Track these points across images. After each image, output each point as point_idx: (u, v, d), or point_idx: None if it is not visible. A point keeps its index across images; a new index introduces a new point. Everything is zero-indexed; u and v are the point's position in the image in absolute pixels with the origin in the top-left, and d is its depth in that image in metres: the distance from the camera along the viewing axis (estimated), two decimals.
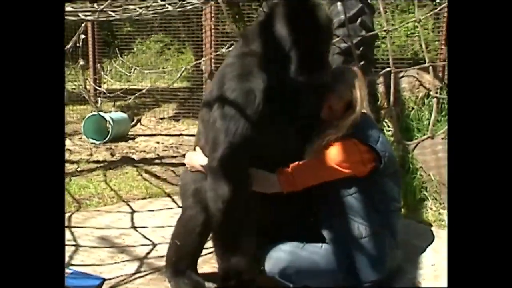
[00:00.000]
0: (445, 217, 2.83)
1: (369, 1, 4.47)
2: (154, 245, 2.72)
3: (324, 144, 1.99)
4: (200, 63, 6.36)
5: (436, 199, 3.13)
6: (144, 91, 6.23)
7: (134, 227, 2.98)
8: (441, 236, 2.62)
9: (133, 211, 3.26)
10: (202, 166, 2.05)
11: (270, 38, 1.86)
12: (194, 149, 2.22)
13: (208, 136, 1.99)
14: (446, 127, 3.53)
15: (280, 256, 2.01)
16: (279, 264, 1.99)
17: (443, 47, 5.26)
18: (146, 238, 2.82)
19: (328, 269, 2.01)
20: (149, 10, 4.11)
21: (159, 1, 3.93)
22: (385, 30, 3.44)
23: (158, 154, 4.93)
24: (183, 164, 4.43)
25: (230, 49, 5.71)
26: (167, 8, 4.14)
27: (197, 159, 2.12)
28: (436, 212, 3.05)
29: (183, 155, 4.88)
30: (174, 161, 4.67)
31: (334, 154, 1.98)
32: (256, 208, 1.95)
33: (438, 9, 4.39)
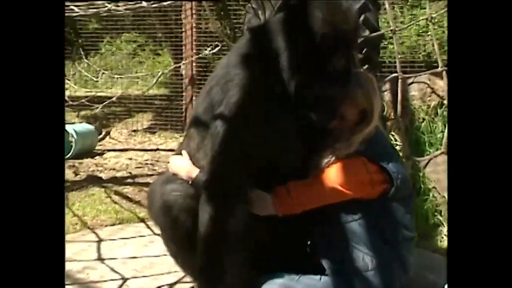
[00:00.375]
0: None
1: None
2: (124, 279, 2.72)
3: (331, 161, 2.01)
4: (179, 66, 6.38)
5: None
6: (114, 99, 6.20)
7: (100, 259, 2.98)
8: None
9: (100, 240, 3.27)
10: (190, 177, 2.06)
11: (282, 39, 1.90)
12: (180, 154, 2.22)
13: (204, 144, 2.02)
14: None
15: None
16: None
17: None
18: (115, 271, 2.82)
19: None
20: (120, 6, 4.16)
21: None
22: (391, 30, 3.51)
23: (130, 173, 4.94)
24: None
25: (215, 50, 5.76)
26: (141, 3, 4.19)
27: (184, 166, 2.13)
28: None
29: (160, 173, 4.91)
30: (149, 180, 4.67)
31: (338, 173, 1.99)
32: (252, 233, 1.98)
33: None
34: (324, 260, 2.08)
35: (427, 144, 3.94)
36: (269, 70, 1.91)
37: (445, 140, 3.47)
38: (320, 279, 2.05)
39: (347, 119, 2.05)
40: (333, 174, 1.99)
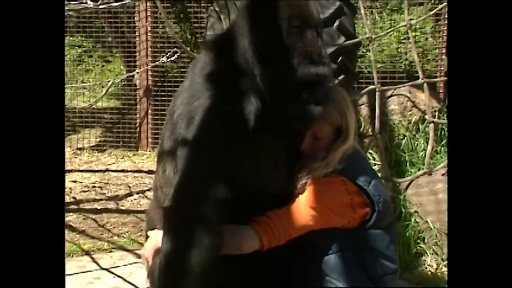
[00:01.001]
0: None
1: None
2: None
3: (309, 182, 2.03)
4: (132, 76, 6.34)
5: (436, 253, 3.22)
6: None
7: None
8: None
9: None
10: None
11: (245, 49, 1.91)
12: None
13: (169, 176, 2.02)
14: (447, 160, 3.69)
15: None
16: None
17: (444, 56, 5.46)
18: None
19: None
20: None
21: None
22: (367, 38, 3.59)
23: (74, 198, 4.88)
24: (109, 210, 4.45)
25: (173, 58, 5.77)
26: (87, 3, 4.19)
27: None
28: (437, 271, 3.13)
29: (110, 198, 4.89)
30: (96, 205, 4.64)
31: (320, 194, 2.02)
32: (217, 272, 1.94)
33: (437, 9, 4.59)
34: None
35: (408, 164, 3.99)
36: (237, 87, 1.92)
37: (427, 159, 3.55)
38: None
39: (322, 137, 2.08)
40: (315, 196, 2.02)
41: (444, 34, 5.44)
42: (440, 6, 4.55)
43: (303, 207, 2.02)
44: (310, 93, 1.91)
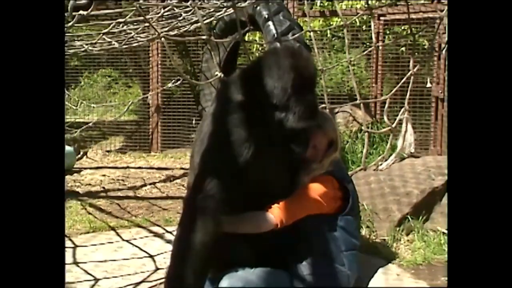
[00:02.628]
0: (378, 244, 2.91)
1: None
2: (96, 280, 2.62)
3: (308, 179, 2.10)
4: (147, 97, 6.32)
5: (369, 227, 3.22)
6: (90, 124, 6.08)
7: (76, 263, 2.86)
8: (375, 263, 2.67)
9: (75, 246, 3.13)
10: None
11: (265, 86, 1.84)
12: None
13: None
14: (378, 158, 3.69)
15: (238, 274, 1.98)
16: (235, 285, 1.95)
17: (374, 84, 5.53)
18: (88, 273, 2.71)
19: None
20: (95, 47, 4.07)
21: (105, 38, 3.89)
22: (320, 69, 3.58)
23: (103, 187, 4.79)
24: (129, 197, 4.37)
25: (177, 83, 5.73)
26: (114, 44, 4.12)
27: None
28: (369, 239, 3.13)
29: (129, 188, 4.81)
30: (119, 193, 4.55)
31: (316, 187, 2.08)
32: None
33: (367, 51, 4.62)
34: (292, 266, 2.07)
35: (350, 162, 4.01)
36: (253, 112, 1.85)
37: (363, 158, 3.55)
38: (274, 271, 2.03)
39: (319, 147, 2.14)
40: (313, 189, 2.08)
41: (373, 69, 5.51)
42: (369, 48, 4.56)
43: (305, 197, 2.07)
44: (305, 138, 2.01)
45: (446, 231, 2.98)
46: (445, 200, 3.11)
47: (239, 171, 1.83)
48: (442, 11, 4.21)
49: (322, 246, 2.10)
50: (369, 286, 2.40)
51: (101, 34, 3.67)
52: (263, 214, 1.99)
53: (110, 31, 3.51)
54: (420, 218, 3.03)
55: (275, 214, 1.99)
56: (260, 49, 7.20)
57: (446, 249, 2.82)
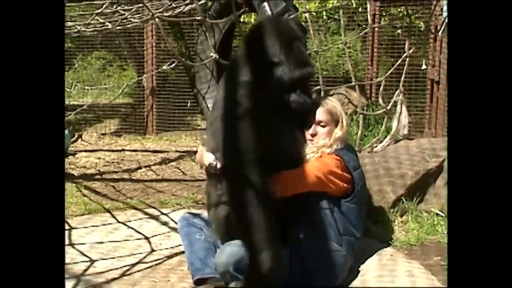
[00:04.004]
0: (372, 226, 2.91)
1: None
2: (92, 261, 2.62)
3: (316, 156, 2.13)
4: (141, 79, 6.26)
5: None
6: (85, 106, 6.04)
7: (71, 244, 2.85)
8: (369, 244, 2.67)
9: (71, 228, 3.13)
10: (204, 163, 2.12)
11: (261, 63, 2.06)
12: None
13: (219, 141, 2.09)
14: (373, 140, 3.68)
15: (234, 249, 2.01)
16: (233, 257, 1.99)
17: (369, 67, 5.50)
18: (84, 255, 2.71)
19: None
20: (88, 28, 4.01)
21: (98, 19, 3.83)
22: (315, 51, 3.55)
23: (98, 170, 4.77)
24: (124, 179, 4.36)
25: (172, 66, 5.68)
26: (107, 25, 4.06)
27: (202, 156, 2.18)
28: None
29: (124, 170, 4.80)
30: (115, 176, 4.54)
31: (321, 165, 2.09)
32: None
33: (362, 33, 4.58)
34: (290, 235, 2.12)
35: None
36: (259, 88, 2.04)
37: (358, 140, 3.53)
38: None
39: (325, 124, 2.18)
40: (317, 165, 2.09)
41: (369, 51, 5.48)
42: (365, 30, 4.52)
43: (308, 172, 2.08)
44: (304, 87, 2.10)
45: (439, 212, 3.00)
46: (439, 182, 3.11)
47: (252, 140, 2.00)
48: None
49: (321, 223, 2.11)
50: (363, 266, 2.42)
51: (94, 15, 3.60)
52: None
53: (103, 11, 3.45)
54: (414, 199, 3.03)
55: (277, 182, 2.02)
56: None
57: (440, 229, 2.85)
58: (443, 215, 2.97)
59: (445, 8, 4.16)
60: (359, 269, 2.38)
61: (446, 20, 4.09)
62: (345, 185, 2.13)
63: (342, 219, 2.14)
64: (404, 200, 3.03)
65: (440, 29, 4.42)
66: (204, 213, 2.42)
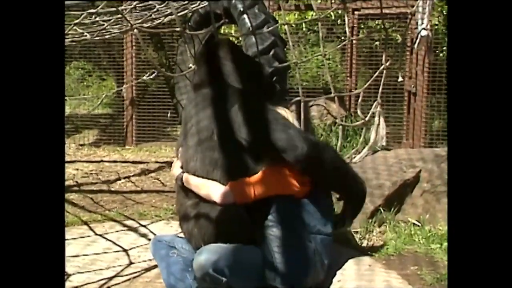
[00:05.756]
0: (354, 234, 2.93)
1: (281, 35, 4.65)
2: (68, 275, 2.57)
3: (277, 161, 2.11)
4: (121, 90, 6.21)
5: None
6: None
7: None
8: (348, 254, 2.68)
9: None
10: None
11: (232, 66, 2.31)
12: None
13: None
14: (351, 151, 3.72)
15: (211, 250, 2.00)
16: (211, 258, 1.96)
17: (348, 78, 5.58)
18: None
19: (255, 263, 2.06)
20: (67, 38, 3.96)
21: (77, 29, 3.79)
22: (294, 63, 3.58)
23: (76, 181, 4.70)
24: (103, 191, 4.30)
25: (151, 76, 5.66)
26: (86, 36, 4.02)
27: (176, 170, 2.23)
28: (342, 232, 3.16)
29: (103, 182, 4.73)
30: (93, 187, 4.48)
31: (281, 168, 2.10)
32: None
33: (341, 45, 4.65)
34: (258, 236, 2.13)
35: None
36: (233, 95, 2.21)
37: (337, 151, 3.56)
38: (246, 246, 2.08)
39: None
40: (278, 170, 2.11)
41: (348, 63, 5.55)
42: (344, 42, 4.58)
43: (268, 177, 2.10)
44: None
45: (416, 222, 3.03)
46: (415, 192, 3.16)
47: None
48: (413, 6, 4.26)
49: (288, 222, 2.12)
50: (341, 276, 2.43)
51: (72, 25, 3.56)
52: (221, 188, 2.06)
53: (82, 22, 3.42)
54: (392, 209, 3.07)
55: (234, 190, 2.05)
56: (236, 42, 7.16)
57: (416, 239, 2.88)
58: (420, 225, 3.01)
59: (419, 22, 4.26)
60: (338, 275, 2.40)
61: (421, 34, 4.18)
62: (305, 187, 2.15)
63: (308, 216, 2.15)
64: (382, 210, 3.06)
65: (416, 41, 4.52)
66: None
